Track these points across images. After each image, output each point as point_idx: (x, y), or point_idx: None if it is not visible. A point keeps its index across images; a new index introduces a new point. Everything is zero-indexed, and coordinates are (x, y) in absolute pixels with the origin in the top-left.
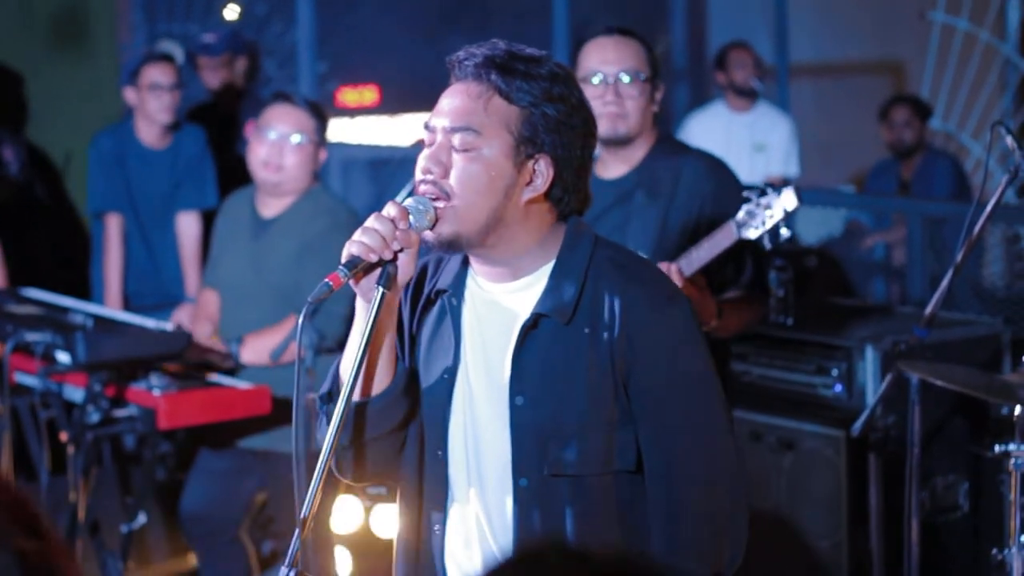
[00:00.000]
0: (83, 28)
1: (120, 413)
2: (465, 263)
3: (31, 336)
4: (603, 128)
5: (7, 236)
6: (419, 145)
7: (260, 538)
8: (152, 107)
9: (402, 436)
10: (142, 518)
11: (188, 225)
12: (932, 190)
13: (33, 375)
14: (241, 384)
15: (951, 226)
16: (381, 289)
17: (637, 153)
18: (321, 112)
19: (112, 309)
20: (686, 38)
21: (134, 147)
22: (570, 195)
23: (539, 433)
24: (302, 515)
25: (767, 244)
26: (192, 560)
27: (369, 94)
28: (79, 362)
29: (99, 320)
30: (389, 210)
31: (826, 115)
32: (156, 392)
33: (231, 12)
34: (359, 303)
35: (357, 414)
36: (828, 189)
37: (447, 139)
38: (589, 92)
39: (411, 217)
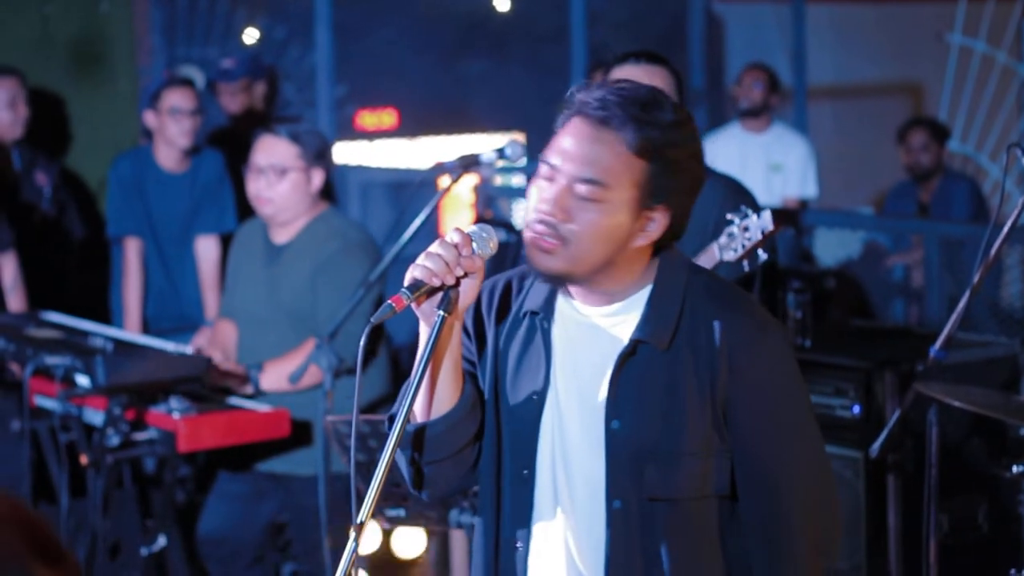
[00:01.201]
0: (102, 52)
1: (140, 436)
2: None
3: (51, 359)
4: None
5: (34, 260)
6: (437, 167)
7: (280, 561)
8: (172, 131)
9: (473, 454)
10: (162, 541)
11: (207, 249)
12: (951, 212)
13: (53, 398)
14: (260, 407)
15: (969, 248)
16: (442, 313)
17: None
18: (307, 138)
19: (132, 333)
20: (703, 60)
21: (153, 171)
22: (676, 235)
23: (635, 457)
24: (358, 520)
25: (746, 267)
26: None
27: (388, 117)
28: (99, 385)
29: (119, 343)
30: (453, 236)
31: (845, 136)
32: (176, 415)
33: (250, 36)
34: (422, 327)
35: (423, 435)
36: (846, 211)
37: (571, 183)
38: None
39: (474, 244)
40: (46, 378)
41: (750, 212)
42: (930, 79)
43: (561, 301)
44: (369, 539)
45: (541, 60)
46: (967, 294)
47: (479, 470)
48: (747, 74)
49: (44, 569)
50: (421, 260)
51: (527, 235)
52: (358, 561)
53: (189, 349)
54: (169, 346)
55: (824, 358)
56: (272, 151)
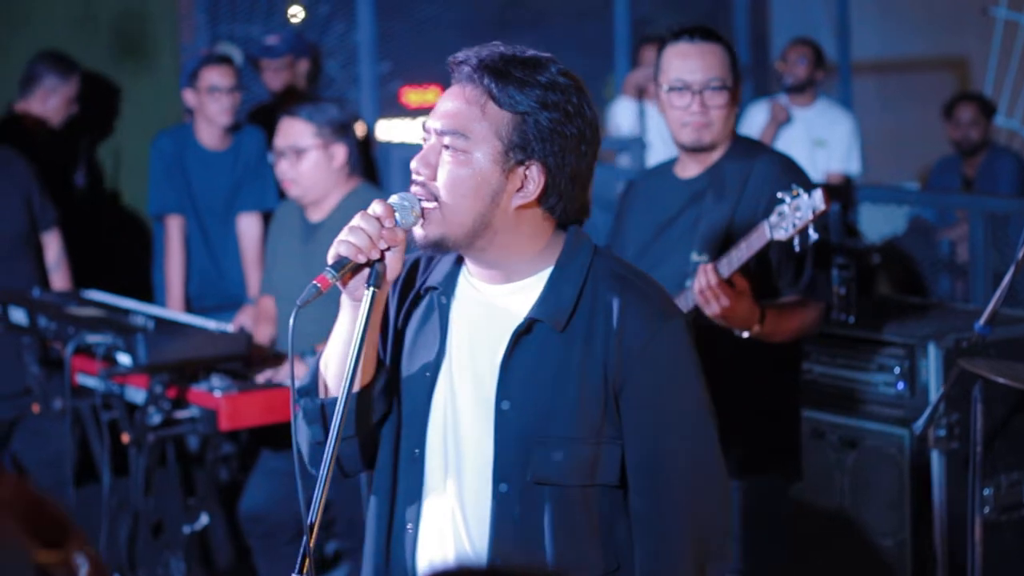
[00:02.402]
0: (145, 30)
1: (181, 415)
2: (459, 261)
3: (92, 338)
4: (688, 137)
5: (72, 239)
6: None
7: (324, 539)
8: (212, 109)
9: (378, 433)
10: (204, 519)
11: (249, 226)
12: (996, 187)
13: (95, 377)
14: None
15: (1014, 222)
16: (372, 289)
17: (713, 155)
18: (323, 115)
19: (174, 311)
20: (748, 35)
21: (194, 149)
22: (565, 203)
23: (524, 439)
24: (309, 521)
25: (796, 246)
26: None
27: (432, 94)
28: (140, 364)
29: (160, 322)
30: (375, 208)
31: (890, 112)
32: (217, 393)
33: (294, 14)
34: (344, 301)
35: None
36: (891, 186)
37: (438, 141)
38: (673, 101)
39: (397, 214)
40: (88, 356)
41: (801, 191)
42: (975, 53)
43: (462, 279)
44: None
45: (584, 36)
46: (1012, 269)
47: (379, 452)
48: (792, 49)
49: (45, 552)
50: (344, 235)
51: None
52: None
53: (230, 327)
54: (210, 324)
55: (868, 334)
56: (288, 132)
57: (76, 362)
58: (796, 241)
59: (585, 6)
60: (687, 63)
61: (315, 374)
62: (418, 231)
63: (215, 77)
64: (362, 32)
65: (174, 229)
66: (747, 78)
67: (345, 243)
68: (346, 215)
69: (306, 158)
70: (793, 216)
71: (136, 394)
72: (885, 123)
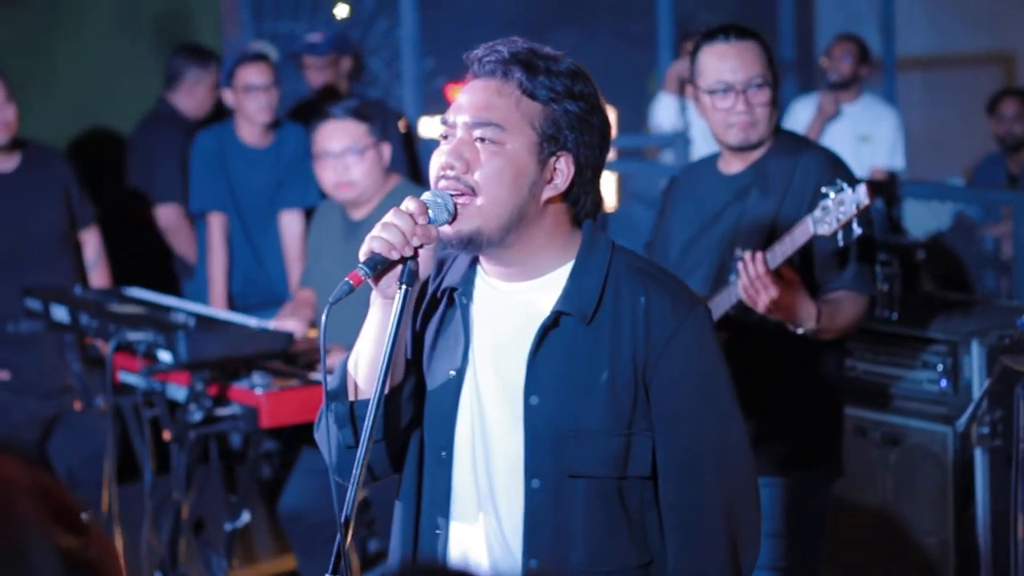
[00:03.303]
0: (189, 27)
1: (223, 412)
2: (473, 261)
3: (133, 335)
4: (735, 137)
5: (111, 236)
6: None
7: (365, 537)
8: (250, 108)
9: (406, 438)
10: (246, 516)
11: (291, 223)
12: None
13: (136, 374)
14: None
15: None
16: (405, 287)
17: (757, 151)
18: (367, 112)
19: (217, 308)
20: (793, 29)
21: (236, 146)
22: (587, 196)
23: (554, 434)
24: (342, 519)
25: (840, 241)
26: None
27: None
28: (181, 361)
29: (201, 319)
30: (408, 205)
31: (935, 107)
32: (258, 391)
33: (340, 10)
34: (375, 299)
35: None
36: (935, 182)
37: (468, 134)
38: (717, 103)
39: (430, 211)
40: (129, 354)
41: (845, 186)
42: (1021, 48)
43: (479, 279)
44: None
45: (629, 32)
46: None
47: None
48: (836, 46)
49: (67, 537)
50: (377, 231)
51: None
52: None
53: (271, 324)
54: (251, 321)
55: (911, 331)
56: (344, 134)
57: (118, 359)
58: (840, 236)
59: (631, 3)
60: (726, 63)
61: (344, 376)
62: (448, 229)
63: (251, 75)
64: (405, 28)
65: (216, 227)
66: (792, 73)
67: (378, 239)
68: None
69: (363, 160)
70: (837, 211)
71: (177, 391)
72: (930, 119)
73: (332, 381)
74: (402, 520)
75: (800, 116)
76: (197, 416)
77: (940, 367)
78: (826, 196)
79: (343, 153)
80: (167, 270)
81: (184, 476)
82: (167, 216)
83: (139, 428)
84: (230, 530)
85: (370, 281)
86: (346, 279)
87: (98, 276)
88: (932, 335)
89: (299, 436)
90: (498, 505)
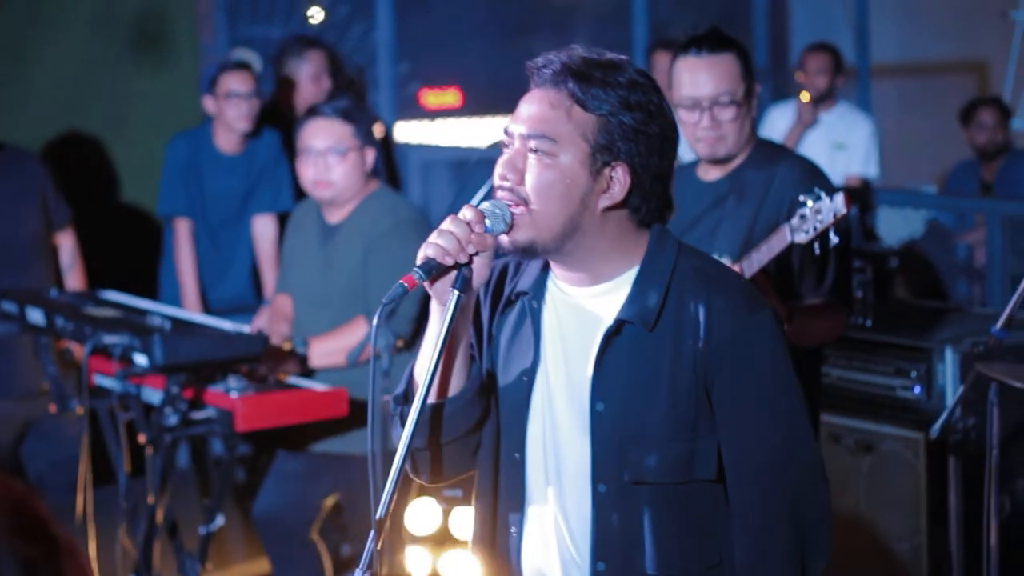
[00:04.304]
0: (164, 30)
1: (198, 415)
2: (546, 266)
3: (109, 338)
4: (703, 152)
5: (90, 239)
6: (496, 147)
7: (338, 541)
8: (230, 115)
9: (478, 438)
10: (220, 520)
11: (264, 227)
12: (1014, 191)
13: (111, 377)
14: (318, 386)
15: None
16: (457, 292)
17: (735, 160)
18: (356, 115)
19: (190, 312)
20: (767, 37)
21: (210, 152)
22: (649, 203)
23: (619, 440)
24: (378, 516)
25: (816, 249)
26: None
27: (451, 96)
28: (157, 364)
29: (176, 322)
30: (465, 213)
31: (908, 115)
32: (234, 394)
33: (314, 15)
34: (434, 305)
35: (433, 417)
36: (909, 190)
37: (524, 145)
38: (684, 116)
39: (487, 220)
40: (104, 357)
41: (823, 194)
42: (994, 57)
43: (550, 283)
44: (427, 519)
45: (604, 38)
46: None
47: (479, 455)
48: (810, 58)
49: (27, 547)
50: (433, 238)
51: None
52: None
53: (247, 328)
54: (227, 325)
55: (885, 338)
56: (328, 133)
57: (93, 362)
58: (816, 245)
59: (604, 9)
60: (695, 77)
61: (410, 380)
62: (505, 238)
63: (234, 83)
64: (381, 33)
65: (183, 232)
66: (766, 80)
67: (433, 245)
68: (365, 217)
69: (345, 160)
70: (814, 219)
71: (153, 395)
72: (903, 126)
73: (399, 386)
74: (480, 518)
75: (778, 123)
76: (172, 420)
77: (914, 374)
78: (804, 204)
79: (326, 152)
80: (141, 273)
81: (159, 480)
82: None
83: (114, 431)
84: (204, 534)
85: (426, 285)
86: (400, 281)
87: (73, 279)
88: (906, 342)
89: (271, 439)
90: (567, 508)
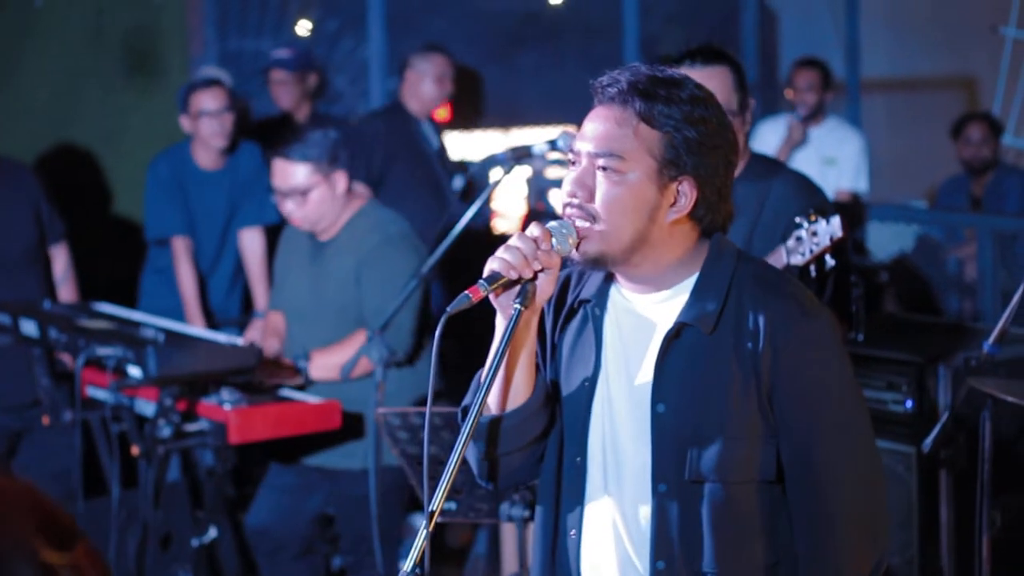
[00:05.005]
0: (155, 44)
1: (191, 427)
2: (609, 275)
3: (103, 350)
4: None
5: (83, 253)
6: (489, 159)
7: (329, 554)
8: (205, 133)
9: (543, 446)
10: (213, 532)
11: (251, 241)
12: (1004, 206)
13: (105, 389)
14: (311, 399)
15: (1022, 242)
16: (518, 307)
17: None
18: (314, 151)
19: (195, 327)
20: (757, 52)
21: (191, 170)
22: (713, 214)
23: (680, 440)
24: (428, 510)
25: (812, 272)
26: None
27: (441, 110)
28: (150, 376)
29: (170, 335)
30: (532, 230)
31: (898, 130)
32: (227, 407)
33: (303, 28)
34: (499, 319)
35: (497, 427)
36: (899, 205)
37: (591, 163)
38: None
39: (554, 239)
40: (98, 369)
41: (820, 217)
42: (984, 72)
43: (613, 290)
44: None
45: (593, 54)
46: (1021, 288)
47: (544, 462)
48: (799, 75)
49: (52, 553)
50: (500, 252)
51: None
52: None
53: (241, 340)
54: (220, 337)
55: (877, 352)
56: (287, 176)
57: (86, 374)
58: (812, 268)
59: (595, 23)
60: None
61: (475, 391)
62: (575, 252)
63: (205, 101)
64: (372, 47)
65: (180, 249)
66: (755, 96)
67: (499, 259)
68: (354, 234)
69: (310, 198)
70: (811, 242)
71: (146, 407)
72: (893, 141)
73: (466, 396)
74: (542, 523)
75: (768, 138)
76: (166, 431)
77: (905, 388)
78: (800, 226)
79: (291, 193)
80: (134, 286)
81: (152, 491)
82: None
83: (107, 443)
84: (197, 545)
85: (491, 298)
86: (466, 292)
87: (67, 291)
88: (897, 356)
89: (265, 452)
90: (627, 511)
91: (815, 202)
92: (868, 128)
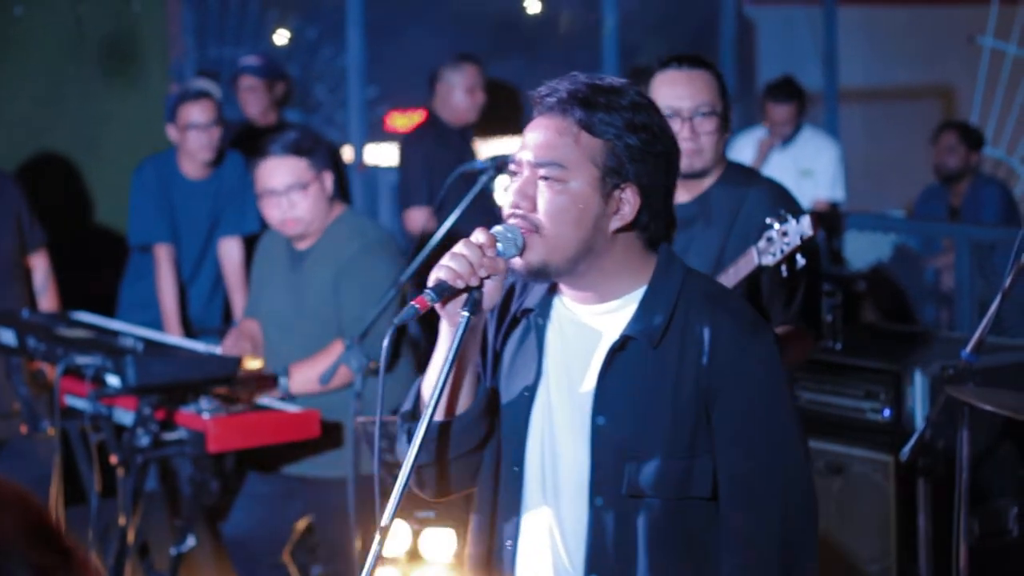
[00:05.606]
0: (135, 51)
1: (170, 436)
2: (553, 285)
3: (82, 359)
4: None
5: (63, 260)
6: (469, 168)
7: (308, 563)
8: (192, 145)
9: (482, 455)
10: (191, 541)
11: (230, 250)
12: (981, 216)
13: (83, 398)
14: (290, 408)
15: (1000, 251)
16: (467, 314)
17: (705, 182)
18: (306, 145)
19: (172, 336)
20: (735, 62)
21: (177, 179)
22: (657, 221)
23: (619, 454)
24: (382, 524)
25: (784, 272)
26: None
27: (418, 119)
28: (129, 385)
29: (149, 344)
30: (477, 237)
31: (876, 140)
32: (205, 416)
33: (282, 36)
34: (443, 326)
35: (441, 434)
36: (877, 214)
37: (533, 173)
38: None
39: (499, 244)
40: (77, 378)
41: (790, 217)
42: (961, 82)
43: (556, 301)
44: (398, 539)
45: (573, 62)
46: (998, 298)
47: (480, 470)
48: (776, 110)
49: (42, 556)
50: (446, 261)
51: None
52: (383, 563)
53: (219, 350)
54: (199, 346)
55: (855, 361)
56: (286, 172)
57: (65, 383)
58: (784, 268)
59: (574, 33)
60: (675, 90)
61: (417, 398)
62: (518, 261)
63: (194, 114)
64: (351, 56)
65: (163, 256)
66: (733, 106)
67: (446, 268)
68: (333, 241)
69: (306, 194)
70: (781, 242)
71: (124, 416)
72: (871, 151)
73: (406, 403)
74: (477, 531)
75: (743, 152)
76: (144, 440)
77: (883, 396)
78: (771, 227)
79: (288, 191)
80: (114, 294)
81: (130, 500)
82: (415, 219)
83: (85, 452)
84: (175, 554)
85: (437, 307)
86: (412, 303)
87: (47, 300)
88: (875, 365)
89: (243, 461)
90: (564, 521)
91: (787, 207)
92: (845, 137)
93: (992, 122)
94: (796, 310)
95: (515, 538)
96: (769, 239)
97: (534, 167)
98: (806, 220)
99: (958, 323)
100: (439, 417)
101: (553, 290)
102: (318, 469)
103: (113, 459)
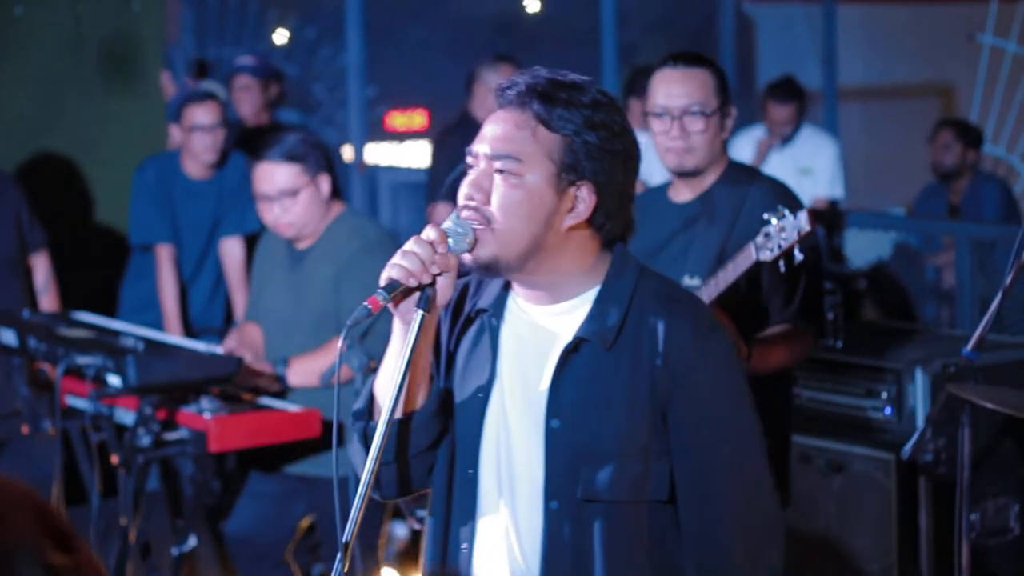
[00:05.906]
0: (133, 52)
1: (171, 436)
2: (507, 284)
3: (82, 359)
4: (670, 162)
5: (63, 261)
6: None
7: (310, 561)
8: (196, 147)
9: (434, 456)
10: (192, 541)
11: (231, 250)
12: (981, 213)
13: (84, 398)
14: (291, 407)
15: (1000, 249)
16: (421, 312)
17: (706, 180)
18: (300, 150)
19: (173, 336)
20: (734, 60)
21: (180, 178)
22: (612, 221)
23: (573, 457)
24: (344, 539)
25: (782, 267)
26: None
27: (418, 118)
28: (130, 385)
29: (150, 343)
30: (428, 233)
31: (875, 138)
32: (207, 415)
33: (281, 36)
34: (396, 325)
35: (399, 432)
36: (877, 212)
37: (489, 166)
38: (655, 126)
39: (450, 240)
40: (78, 378)
41: (787, 212)
42: (961, 80)
43: (510, 301)
44: (398, 540)
45: (572, 61)
46: (999, 295)
47: (434, 472)
48: (776, 110)
49: (57, 555)
50: (396, 259)
51: None
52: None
53: (220, 349)
54: (200, 346)
55: (856, 359)
56: (275, 178)
57: (66, 383)
58: (782, 263)
59: (573, 32)
60: (669, 88)
61: (369, 397)
62: (468, 256)
63: (199, 115)
64: (351, 55)
65: (164, 257)
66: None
67: (397, 266)
68: (333, 240)
69: (300, 199)
70: (778, 237)
71: (125, 415)
72: (870, 149)
73: (358, 402)
74: (432, 534)
75: (742, 151)
76: (145, 440)
77: (884, 395)
78: (768, 223)
79: (280, 196)
80: (114, 294)
81: (131, 500)
82: (439, 214)
83: (86, 452)
84: (177, 554)
85: (390, 306)
86: (364, 303)
87: (48, 300)
88: (876, 363)
89: (245, 460)
90: (520, 525)
91: (785, 203)
92: (845, 135)
93: (992, 120)
94: (796, 308)
95: (471, 541)
96: (767, 235)
97: (490, 159)
98: (803, 215)
99: (959, 321)
100: (396, 415)
101: (507, 290)
102: (319, 468)
103: (114, 459)
